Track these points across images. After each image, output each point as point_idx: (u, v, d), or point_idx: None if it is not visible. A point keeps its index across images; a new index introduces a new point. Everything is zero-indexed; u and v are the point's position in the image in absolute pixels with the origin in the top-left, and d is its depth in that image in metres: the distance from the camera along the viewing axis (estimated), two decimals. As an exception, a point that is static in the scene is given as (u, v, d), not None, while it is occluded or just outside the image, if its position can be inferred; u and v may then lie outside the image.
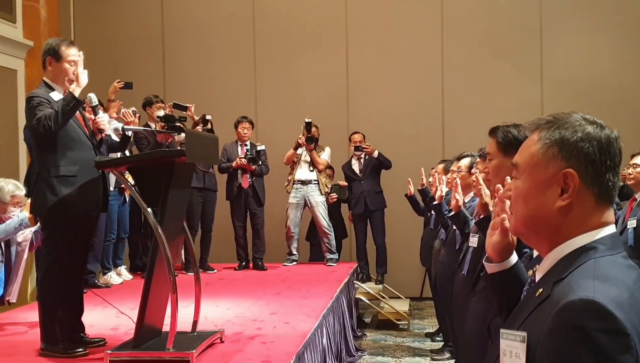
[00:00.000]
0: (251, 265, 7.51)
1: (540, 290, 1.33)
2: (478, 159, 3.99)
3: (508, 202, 1.53)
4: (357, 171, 7.98)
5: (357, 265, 7.79)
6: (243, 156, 7.30)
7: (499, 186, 1.66)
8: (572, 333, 1.16)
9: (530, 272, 1.70)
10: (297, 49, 9.05)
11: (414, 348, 6.52)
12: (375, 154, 7.86)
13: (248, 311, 5.08)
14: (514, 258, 1.66)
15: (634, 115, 8.35)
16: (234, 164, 7.29)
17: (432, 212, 5.97)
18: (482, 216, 2.95)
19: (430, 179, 5.80)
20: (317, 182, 7.57)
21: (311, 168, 7.54)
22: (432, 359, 6.04)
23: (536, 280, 1.42)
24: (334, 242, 7.63)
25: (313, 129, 7.61)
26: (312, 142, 7.44)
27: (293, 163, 7.60)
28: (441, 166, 6.01)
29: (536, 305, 1.31)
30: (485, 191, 2.89)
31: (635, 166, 4.85)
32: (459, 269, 3.62)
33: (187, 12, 9.24)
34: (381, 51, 8.95)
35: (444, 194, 4.94)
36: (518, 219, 1.42)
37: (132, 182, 3.77)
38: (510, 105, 8.33)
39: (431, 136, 8.83)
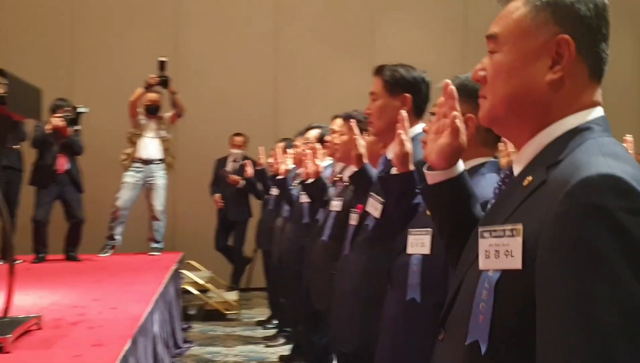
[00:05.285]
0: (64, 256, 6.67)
1: (530, 177, 1.09)
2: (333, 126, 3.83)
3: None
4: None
5: (182, 254, 7.33)
6: (61, 115, 6.19)
7: (448, 82, 1.41)
8: (591, 214, 0.92)
9: None
10: (121, 22, 8.37)
11: (245, 336, 6.22)
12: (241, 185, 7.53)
13: (65, 299, 4.47)
14: (461, 164, 1.43)
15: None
16: (47, 126, 6.13)
17: (271, 193, 5.76)
18: (356, 170, 2.73)
19: (270, 159, 5.55)
20: (161, 161, 6.89)
21: (156, 143, 6.86)
22: (267, 345, 5.78)
23: (515, 173, 1.19)
24: (163, 230, 7.06)
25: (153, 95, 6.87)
26: (167, 85, 6.80)
27: (133, 136, 6.82)
28: (281, 144, 5.80)
29: (527, 194, 1.07)
30: (360, 142, 2.68)
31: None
32: (318, 236, 3.40)
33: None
34: (212, 29, 8.55)
35: (289, 168, 4.72)
36: (497, 100, 1.17)
37: None
38: (341, 93, 8.29)
39: (262, 121, 8.58)
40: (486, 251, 1.09)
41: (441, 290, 1.70)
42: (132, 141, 6.84)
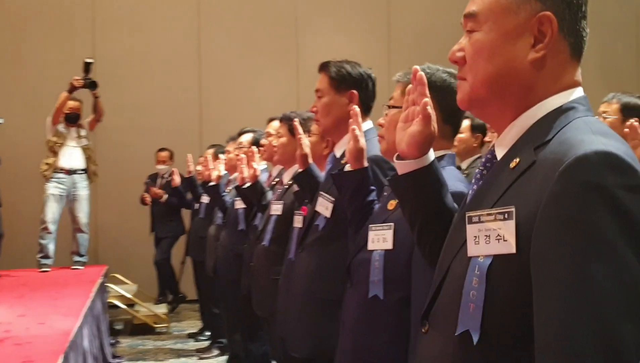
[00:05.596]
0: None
1: (517, 159, 1.06)
2: (268, 129, 3.77)
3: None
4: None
5: (107, 267, 7.04)
6: None
7: (417, 68, 1.38)
8: (589, 192, 0.90)
9: None
10: (35, 28, 8.01)
11: (177, 349, 6.04)
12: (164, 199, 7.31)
13: (-13, 317, 4.22)
14: (432, 153, 1.40)
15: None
16: None
17: (201, 201, 5.62)
18: (300, 171, 2.67)
19: (199, 167, 5.41)
20: (84, 171, 6.46)
21: (79, 152, 6.44)
22: (200, 358, 5.63)
23: (498, 156, 1.16)
24: (87, 243, 6.72)
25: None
26: (95, 87, 6.36)
27: (55, 144, 6.34)
28: (211, 150, 5.68)
29: (516, 176, 1.04)
30: (305, 142, 2.63)
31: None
32: (258, 241, 3.32)
33: None
34: (132, 35, 8.29)
35: (222, 174, 4.61)
36: (479, 81, 1.14)
37: None
38: (267, 98, 8.20)
39: (187, 129, 8.38)
40: (475, 236, 1.06)
41: (404, 286, 1.67)
42: (54, 150, 6.37)
